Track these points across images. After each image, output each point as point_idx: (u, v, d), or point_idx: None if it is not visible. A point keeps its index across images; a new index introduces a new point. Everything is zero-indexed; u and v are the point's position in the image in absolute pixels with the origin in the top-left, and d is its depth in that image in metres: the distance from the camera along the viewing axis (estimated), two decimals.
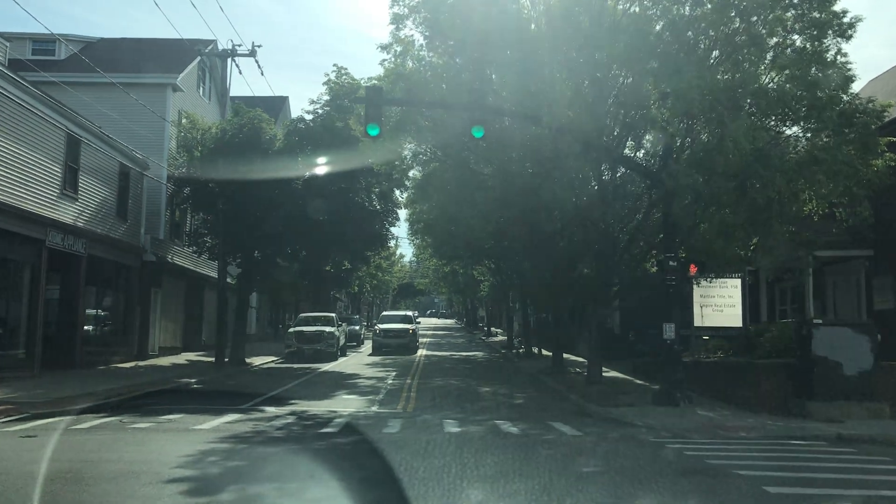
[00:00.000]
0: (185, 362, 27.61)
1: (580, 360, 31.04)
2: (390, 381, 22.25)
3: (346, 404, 16.76)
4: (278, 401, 17.21)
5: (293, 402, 17.11)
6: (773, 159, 15.56)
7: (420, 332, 61.18)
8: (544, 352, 34.45)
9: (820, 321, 15.10)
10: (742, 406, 15.90)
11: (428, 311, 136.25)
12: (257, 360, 29.57)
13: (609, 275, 19.26)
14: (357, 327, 44.78)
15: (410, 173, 23.51)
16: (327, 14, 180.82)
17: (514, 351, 38.46)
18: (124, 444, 10.69)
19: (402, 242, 71.46)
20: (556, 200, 16.83)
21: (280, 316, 50.94)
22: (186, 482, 8.32)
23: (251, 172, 25.00)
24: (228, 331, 28.02)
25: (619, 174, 20.40)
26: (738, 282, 21.85)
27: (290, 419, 14.22)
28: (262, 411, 15.36)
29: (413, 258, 65.67)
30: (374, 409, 16.23)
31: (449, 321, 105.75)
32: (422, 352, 37.58)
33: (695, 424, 13.86)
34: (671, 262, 16.09)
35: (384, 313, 48.48)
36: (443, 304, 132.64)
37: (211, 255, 28.71)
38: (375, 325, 41.89)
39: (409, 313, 47.07)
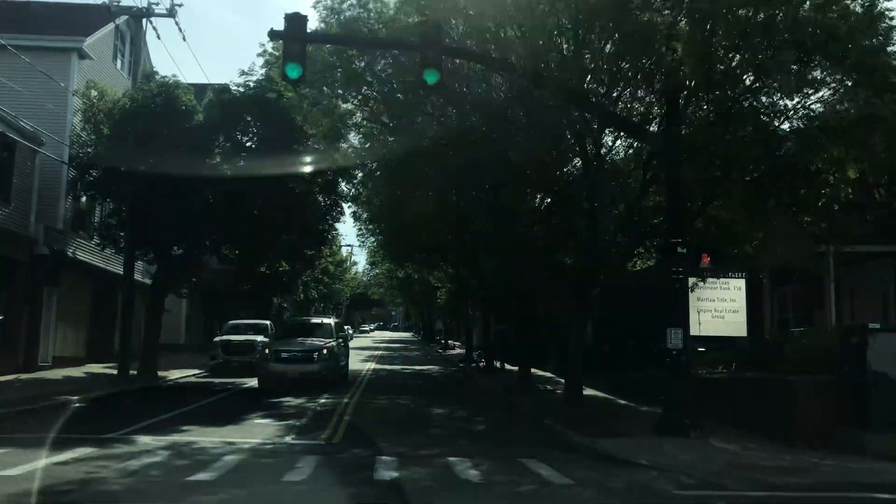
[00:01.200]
0: (83, 375, 23.07)
1: (549, 375, 27.44)
2: (323, 401, 18.15)
3: (253, 432, 12.71)
4: (165, 427, 13.07)
5: (185, 428, 12.99)
6: (814, 118, 12.08)
7: (372, 345, 56.86)
8: (507, 366, 30.69)
9: (877, 325, 11.52)
10: (769, 436, 12.24)
11: (378, 324, 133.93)
12: (176, 374, 25.19)
13: (594, 267, 15.49)
14: None
15: (353, 142, 19.42)
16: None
17: (474, 365, 34.51)
18: None
19: (356, 251, 67.26)
20: (532, 162, 13.03)
21: (216, 325, 46.17)
22: None
23: (165, 150, 20.83)
24: (137, 338, 23.64)
25: (602, 149, 16.75)
26: (741, 282, 18.25)
27: (160, 456, 10.06)
28: (130, 442, 11.23)
29: (367, 264, 61.28)
30: (289, 438, 12.24)
31: (406, 334, 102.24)
32: (370, 365, 33.31)
33: (720, 465, 10.13)
34: (679, 249, 12.40)
35: (286, 318, 29.61)
36: (399, 317, 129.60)
37: (118, 250, 24.31)
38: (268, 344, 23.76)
39: (330, 321, 25.20)
